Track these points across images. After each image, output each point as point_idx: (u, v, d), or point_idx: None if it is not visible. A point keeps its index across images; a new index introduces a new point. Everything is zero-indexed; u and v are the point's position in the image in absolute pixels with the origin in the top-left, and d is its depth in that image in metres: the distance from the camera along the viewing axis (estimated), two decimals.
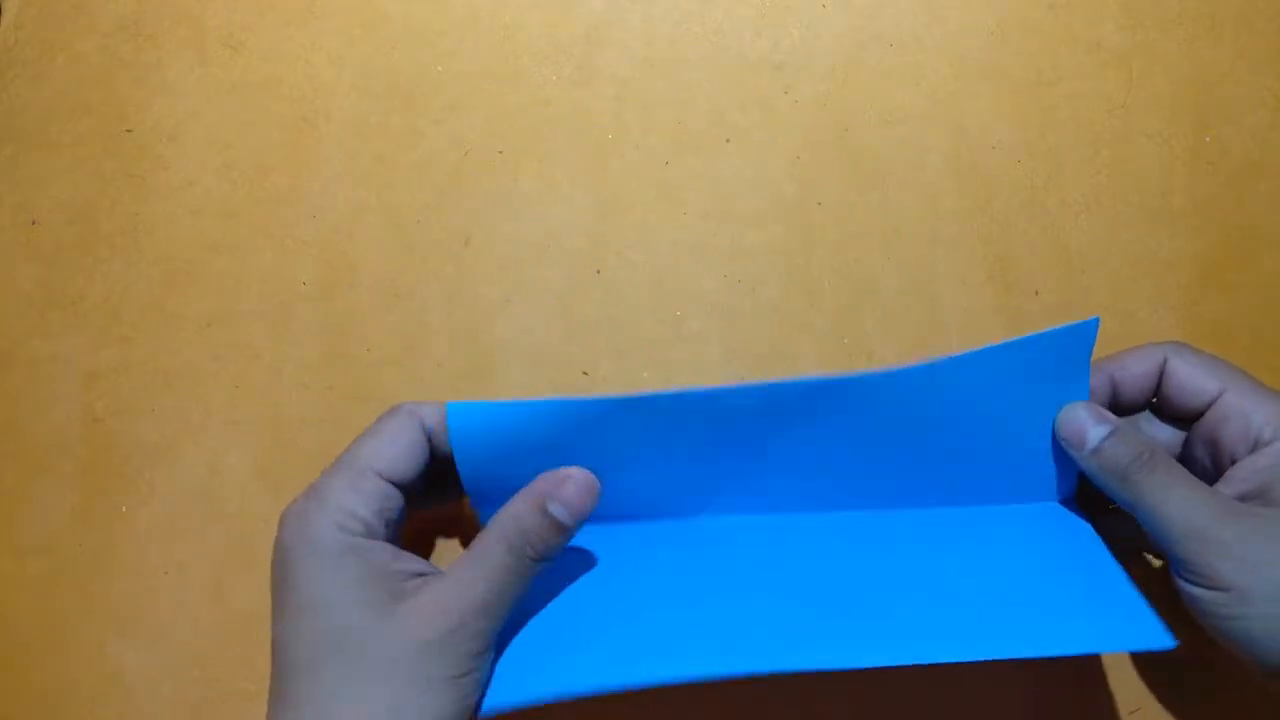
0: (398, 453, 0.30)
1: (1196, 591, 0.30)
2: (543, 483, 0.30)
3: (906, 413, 0.33)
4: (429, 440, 0.31)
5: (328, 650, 0.27)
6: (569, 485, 0.30)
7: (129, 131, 0.42)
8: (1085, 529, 0.34)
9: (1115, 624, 0.30)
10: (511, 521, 0.29)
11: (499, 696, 0.29)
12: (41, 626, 0.37)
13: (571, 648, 0.30)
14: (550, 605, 0.32)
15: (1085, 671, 0.36)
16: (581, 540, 0.33)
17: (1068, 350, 0.32)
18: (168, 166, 0.41)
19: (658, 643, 0.30)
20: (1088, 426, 0.32)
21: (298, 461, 0.38)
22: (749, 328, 0.40)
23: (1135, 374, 0.34)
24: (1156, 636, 0.29)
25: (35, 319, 0.40)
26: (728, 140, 0.41)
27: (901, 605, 0.31)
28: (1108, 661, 0.36)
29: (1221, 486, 0.31)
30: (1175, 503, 0.30)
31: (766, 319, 0.40)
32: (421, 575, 0.29)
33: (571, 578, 0.33)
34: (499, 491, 0.31)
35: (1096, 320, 0.32)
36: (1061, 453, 0.34)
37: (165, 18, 0.43)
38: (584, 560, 0.33)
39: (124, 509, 0.38)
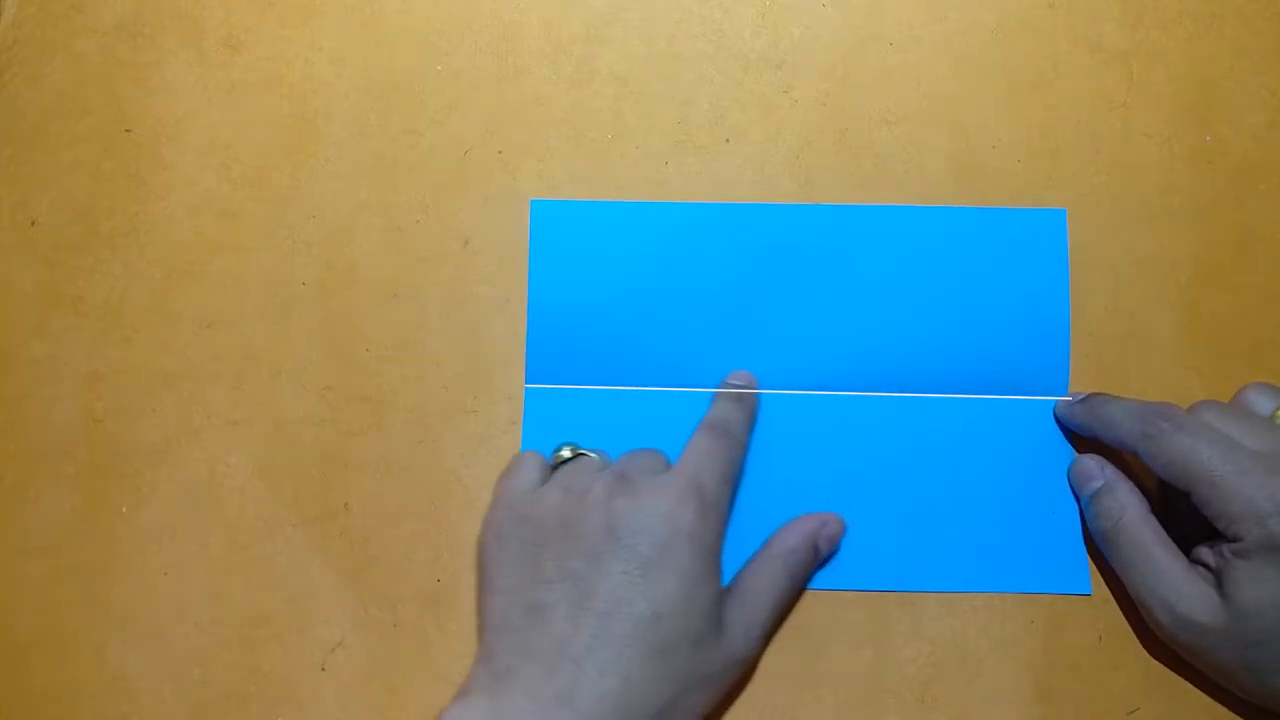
0: None
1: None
2: (811, 522, 0.36)
3: (910, 250, 0.39)
4: None
5: (684, 640, 0.31)
6: (832, 526, 0.36)
7: (128, 131, 0.42)
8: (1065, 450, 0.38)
9: (1049, 566, 0.37)
10: (790, 554, 0.35)
11: None
12: (42, 627, 0.37)
13: None
14: None
15: (1083, 671, 0.36)
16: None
17: (1044, 234, 0.39)
18: (168, 166, 0.41)
19: None
20: (1086, 478, 0.37)
21: (298, 461, 0.38)
22: None
23: (1113, 446, 0.36)
24: (1078, 583, 0.37)
25: (35, 319, 0.40)
26: (728, 140, 0.41)
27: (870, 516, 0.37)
28: (1107, 661, 0.36)
29: (1200, 549, 0.34)
30: (1132, 573, 0.34)
31: None
32: None
33: None
34: (557, 293, 0.39)
35: (1063, 212, 0.39)
36: (1048, 345, 0.39)
37: (164, 17, 0.43)
38: None
39: (125, 510, 0.38)
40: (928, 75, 0.42)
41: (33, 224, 0.41)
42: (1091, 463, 0.37)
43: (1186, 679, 0.36)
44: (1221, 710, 0.35)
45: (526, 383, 0.39)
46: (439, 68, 0.42)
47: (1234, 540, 0.32)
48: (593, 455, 0.36)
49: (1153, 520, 0.35)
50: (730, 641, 0.32)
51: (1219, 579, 0.32)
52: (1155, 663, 0.36)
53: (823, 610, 0.37)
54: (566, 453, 0.36)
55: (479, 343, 0.40)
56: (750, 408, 0.38)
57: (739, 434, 0.36)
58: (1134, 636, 0.36)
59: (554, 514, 0.33)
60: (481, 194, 0.41)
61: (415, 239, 0.41)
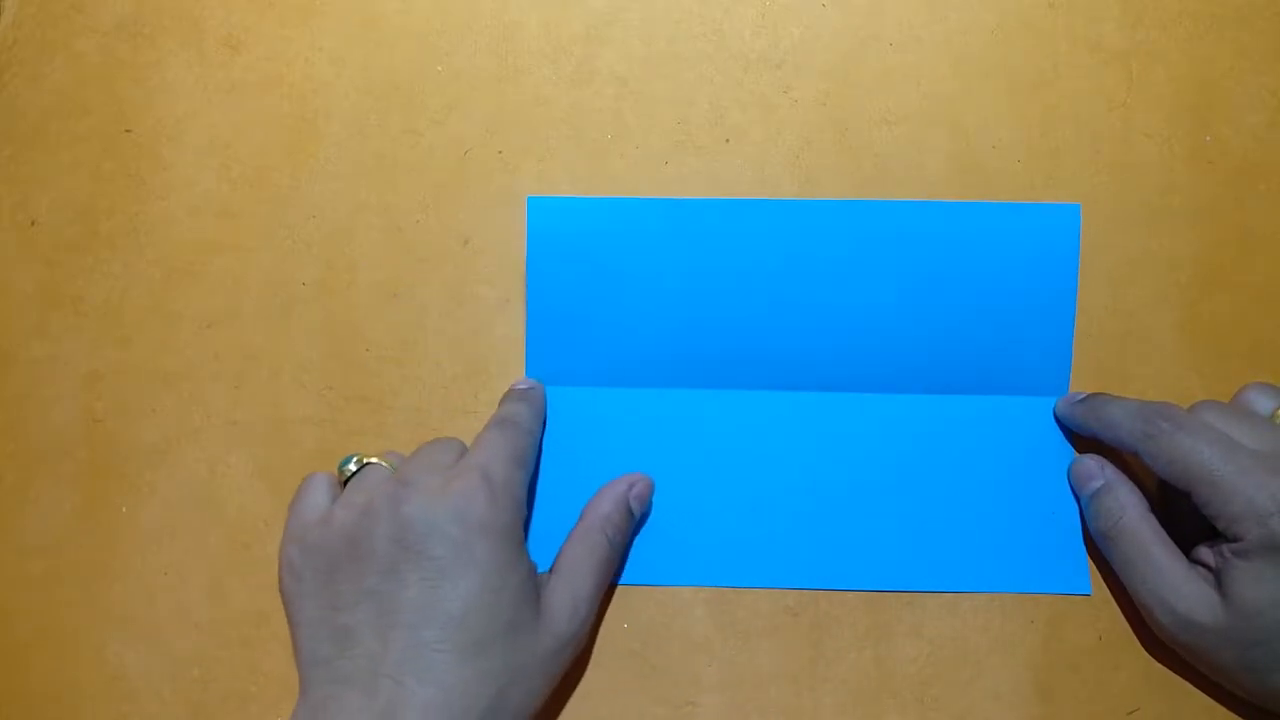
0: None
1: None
2: (620, 485, 0.36)
3: (916, 246, 0.39)
4: None
5: (498, 632, 0.30)
6: (640, 485, 0.36)
7: (128, 131, 0.42)
8: (1065, 450, 0.38)
9: (1048, 566, 0.37)
10: (605, 521, 0.35)
11: None
12: (42, 627, 0.37)
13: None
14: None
15: (1083, 671, 0.36)
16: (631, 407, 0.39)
17: (1055, 230, 0.39)
18: (168, 166, 0.41)
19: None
20: (1086, 478, 0.36)
21: (298, 461, 0.38)
22: None
23: (1113, 446, 0.36)
24: (1078, 583, 0.37)
25: (35, 319, 0.40)
26: (728, 140, 0.41)
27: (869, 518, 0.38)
28: (1107, 661, 0.36)
29: (1200, 549, 0.34)
30: (1132, 573, 0.34)
31: None
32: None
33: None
34: (556, 290, 0.39)
35: (1077, 207, 0.39)
36: (1051, 343, 0.39)
37: (164, 17, 0.43)
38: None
39: (124, 509, 0.38)
40: (928, 75, 0.42)
41: (33, 224, 0.41)
42: (1091, 463, 0.37)
43: (1186, 679, 0.36)
44: (1221, 710, 0.35)
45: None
46: (439, 68, 0.42)
47: (1234, 540, 0.32)
48: (381, 463, 0.35)
49: (1153, 520, 0.35)
50: (554, 622, 0.32)
51: (1219, 579, 0.32)
52: (1155, 663, 0.36)
53: (823, 610, 0.37)
54: (352, 466, 0.35)
55: (479, 343, 0.40)
56: (536, 404, 0.37)
57: (526, 424, 0.36)
58: (1134, 636, 0.36)
59: (340, 536, 0.32)
60: (481, 194, 0.41)
61: (415, 239, 0.41)
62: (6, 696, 0.36)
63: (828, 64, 0.42)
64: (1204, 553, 0.33)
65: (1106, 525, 0.35)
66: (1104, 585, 0.37)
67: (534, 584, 0.32)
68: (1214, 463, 0.32)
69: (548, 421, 0.38)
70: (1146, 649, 0.36)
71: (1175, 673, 0.36)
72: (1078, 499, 0.37)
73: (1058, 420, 0.38)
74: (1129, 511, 0.35)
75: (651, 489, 0.37)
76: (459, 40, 0.42)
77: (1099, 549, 0.36)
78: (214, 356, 0.40)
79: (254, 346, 0.40)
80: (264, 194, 0.41)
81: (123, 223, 0.41)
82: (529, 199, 0.38)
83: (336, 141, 0.41)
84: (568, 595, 0.33)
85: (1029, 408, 0.38)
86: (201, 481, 0.38)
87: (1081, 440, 0.38)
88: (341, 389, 0.39)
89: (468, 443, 0.35)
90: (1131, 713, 0.36)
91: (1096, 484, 0.36)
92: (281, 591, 0.33)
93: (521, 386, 0.38)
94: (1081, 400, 0.37)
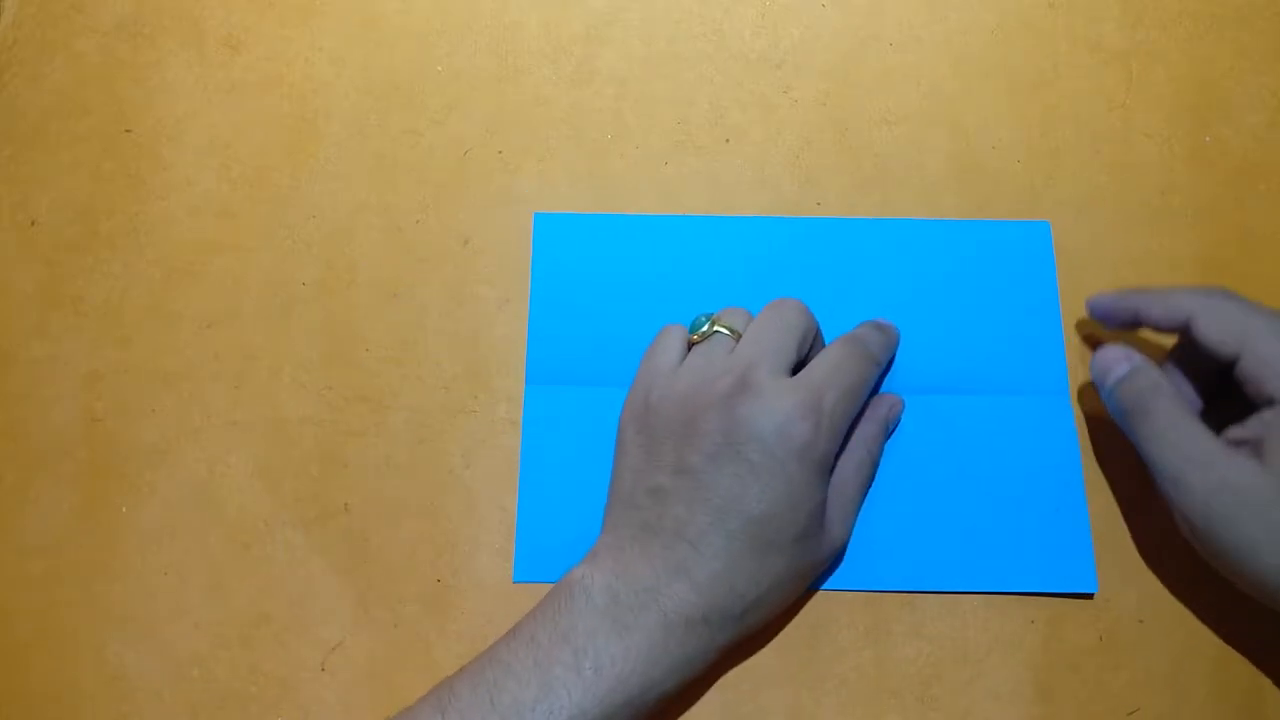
0: None
1: (1179, 520, 0.34)
2: (880, 406, 0.38)
3: (906, 261, 0.40)
4: None
5: (788, 540, 0.33)
6: (897, 407, 0.38)
7: (128, 131, 0.42)
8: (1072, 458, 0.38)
9: (1053, 565, 0.37)
10: (871, 440, 0.37)
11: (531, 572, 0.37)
12: (42, 627, 0.37)
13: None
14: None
15: (1083, 671, 0.36)
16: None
17: (1031, 246, 0.40)
18: (168, 166, 0.41)
19: None
20: (1112, 364, 0.36)
21: (298, 461, 0.38)
22: None
23: (1159, 321, 0.36)
24: (1084, 581, 0.36)
25: (35, 319, 0.40)
26: (728, 140, 0.41)
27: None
28: (1107, 661, 0.36)
29: (1232, 430, 0.34)
30: (1165, 446, 0.33)
31: None
32: None
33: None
34: (560, 302, 0.39)
35: (1047, 224, 0.40)
36: (1042, 351, 0.39)
37: (164, 17, 0.43)
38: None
39: (124, 509, 0.38)
40: (928, 75, 0.42)
41: (33, 224, 0.41)
42: (1117, 349, 0.36)
43: (1186, 678, 0.36)
44: (1222, 710, 0.35)
45: (526, 383, 0.39)
46: (439, 68, 0.42)
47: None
48: (726, 333, 0.36)
49: (1183, 399, 0.35)
50: (831, 535, 0.35)
51: (1257, 448, 0.32)
52: (1155, 663, 0.36)
53: (823, 610, 0.37)
54: (704, 328, 0.37)
55: (479, 343, 0.40)
56: (891, 337, 0.38)
57: (876, 352, 0.37)
58: (1134, 636, 0.36)
59: (680, 409, 0.35)
60: (481, 194, 0.41)
61: (415, 239, 0.41)
62: (6, 696, 0.36)
63: (828, 64, 0.42)
64: (1236, 431, 0.34)
65: (1140, 403, 0.34)
66: (1106, 585, 0.37)
67: (825, 503, 0.35)
68: (1263, 329, 0.33)
69: (545, 422, 0.38)
70: (1147, 649, 0.36)
71: (1175, 673, 0.36)
72: (1101, 390, 0.36)
73: (1093, 314, 0.38)
74: (1163, 388, 0.34)
75: (902, 408, 0.38)
76: (459, 40, 0.42)
77: (1126, 432, 0.35)
78: (214, 356, 0.40)
79: (254, 346, 0.40)
80: (264, 194, 0.41)
81: (123, 223, 0.41)
82: (535, 215, 0.39)
83: (336, 141, 0.41)
84: (840, 508, 0.35)
85: (1030, 407, 0.38)
86: (201, 481, 0.38)
87: (1083, 440, 0.38)
88: (341, 389, 0.39)
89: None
90: (1131, 713, 0.36)
91: (1126, 367, 0.36)
92: (621, 430, 0.37)
93: (882, 321, 0.39)
94: (1119, 292, 0.37)
